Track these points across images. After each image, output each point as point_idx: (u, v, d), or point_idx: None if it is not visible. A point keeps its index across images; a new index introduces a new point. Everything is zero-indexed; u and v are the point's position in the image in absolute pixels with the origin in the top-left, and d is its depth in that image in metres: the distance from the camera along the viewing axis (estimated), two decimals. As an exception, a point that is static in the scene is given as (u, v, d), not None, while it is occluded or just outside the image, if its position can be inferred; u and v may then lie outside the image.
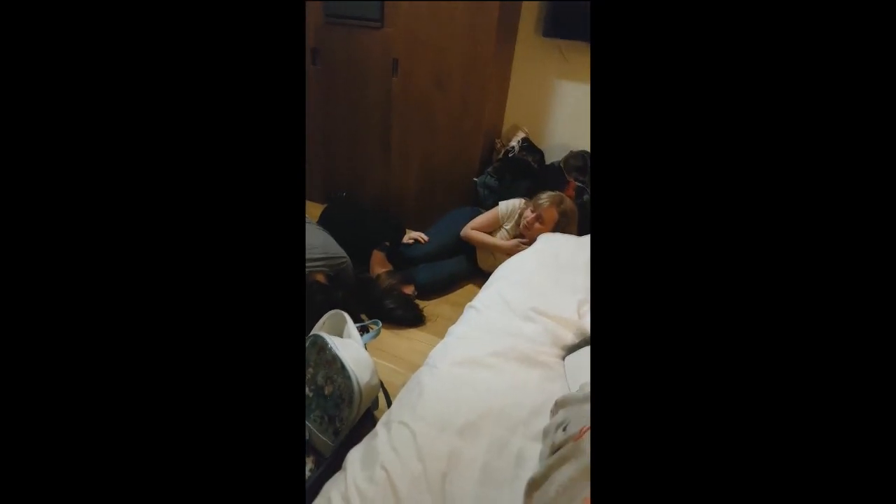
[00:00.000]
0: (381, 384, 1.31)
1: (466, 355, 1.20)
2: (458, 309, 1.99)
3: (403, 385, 1.20)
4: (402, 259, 2.17)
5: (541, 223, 1.96)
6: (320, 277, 1.78)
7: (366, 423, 1.27)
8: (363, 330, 1.44)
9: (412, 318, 1.95)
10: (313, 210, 2.39)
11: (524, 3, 2.17)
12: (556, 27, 2.09)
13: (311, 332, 1.32)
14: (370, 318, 1.76)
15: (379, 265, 2.10)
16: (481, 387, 1.12)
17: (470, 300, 1.56)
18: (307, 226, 1.85)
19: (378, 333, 1.46)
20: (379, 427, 1.04)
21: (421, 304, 2.02)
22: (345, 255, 1.85)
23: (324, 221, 2.11)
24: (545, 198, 1.98)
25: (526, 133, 2.30)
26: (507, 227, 2.10)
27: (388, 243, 2.16)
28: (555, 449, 0.66)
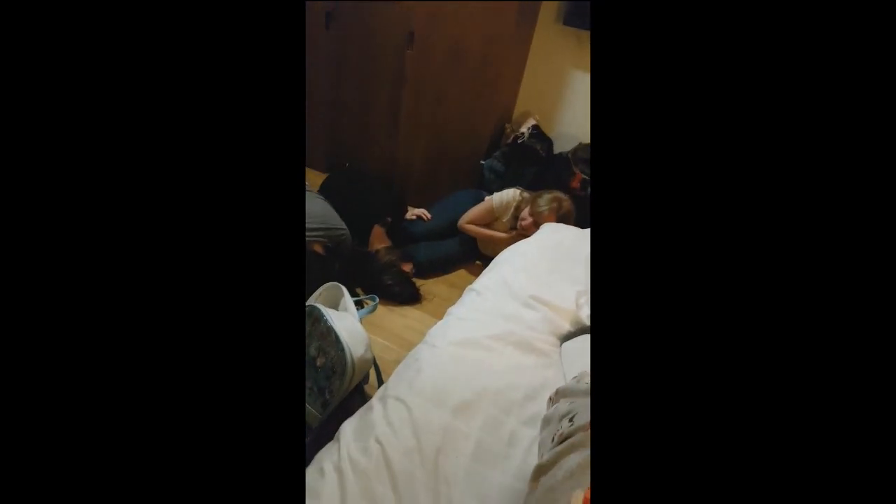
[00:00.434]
0: (374, 359, 1.30)
1: (465, 336, 1.20)
2: (454, 290, 1.99)
3: (395, 361, 1.20)
4: (403, 235, 2.15)
5: (538, 229, 1.92)
6: (318, 248, 1.76)
7: (355, 396, 1.27)
8: (359, 305, 1.42)
9: (409, 296, 1.94)
10: (314, 179, 2.35)
11: (547, -11, 2.12)
12: (577, 17, 2.05)
13: (307, 303, 1.31)
14: (366, 293, 1.74)
15: (378, 240, 2.08)
16: (479, 367, 1.12)
17: (467, 282, 1.55)
18: (307, 194, 1.81)
19: (374, 309, 1.44)
20: (374, 401, 1.04)
21: (418, 282, 2.02)
22: (344, 226, 1.82)
23: (325, 191, 2.08)
24: (544, 204, 1.93)
25: (537, 120, 2.27)
26: (504, 220, 2.07)
27: (389, 218, 2.14)
28: (563, 438, 0.66)
